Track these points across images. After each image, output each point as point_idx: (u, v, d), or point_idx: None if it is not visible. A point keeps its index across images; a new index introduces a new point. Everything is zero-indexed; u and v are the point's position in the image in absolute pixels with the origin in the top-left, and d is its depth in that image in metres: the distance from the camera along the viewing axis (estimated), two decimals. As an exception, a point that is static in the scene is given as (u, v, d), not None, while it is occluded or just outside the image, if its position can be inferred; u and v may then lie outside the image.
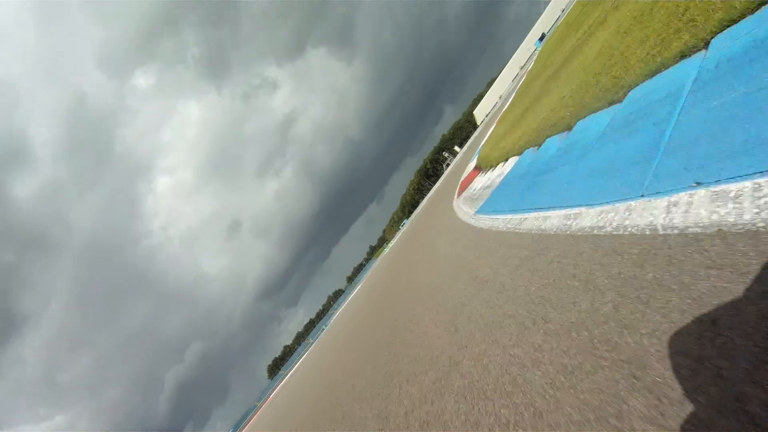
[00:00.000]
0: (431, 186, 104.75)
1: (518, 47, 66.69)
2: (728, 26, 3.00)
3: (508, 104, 24.93)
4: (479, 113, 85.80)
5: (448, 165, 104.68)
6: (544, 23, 59.12)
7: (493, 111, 61.44)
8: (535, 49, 52.46)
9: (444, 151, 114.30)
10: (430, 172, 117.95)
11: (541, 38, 54.88)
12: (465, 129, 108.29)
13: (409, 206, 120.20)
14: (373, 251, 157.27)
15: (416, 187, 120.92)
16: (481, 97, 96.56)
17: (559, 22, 32.73)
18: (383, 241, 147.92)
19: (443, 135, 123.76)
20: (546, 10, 57.91)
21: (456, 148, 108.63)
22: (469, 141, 71.56)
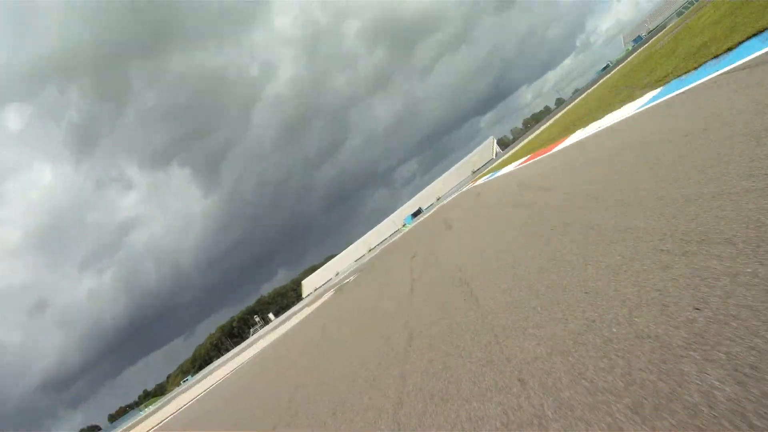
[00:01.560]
0: (232, 346, 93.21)
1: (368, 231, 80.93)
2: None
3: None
4: (308, 285, 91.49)
5: (255, 331, 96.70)
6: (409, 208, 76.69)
7: (324, 287, 62.64)
8: (404, 225, 64.76)
9: (256, 314, 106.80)
10: (235, 332, 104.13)
11: (415, 214, 68.58)
12: (288, 297, 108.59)
13: (201, 360, 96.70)
14: (147, 397, 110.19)
15: (214, 342, 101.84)
16: (314, 269, 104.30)
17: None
18: (162, 389, 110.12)
19: (261, 296, 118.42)
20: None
21: (270, 315, 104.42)
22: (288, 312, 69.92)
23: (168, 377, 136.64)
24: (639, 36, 59.68)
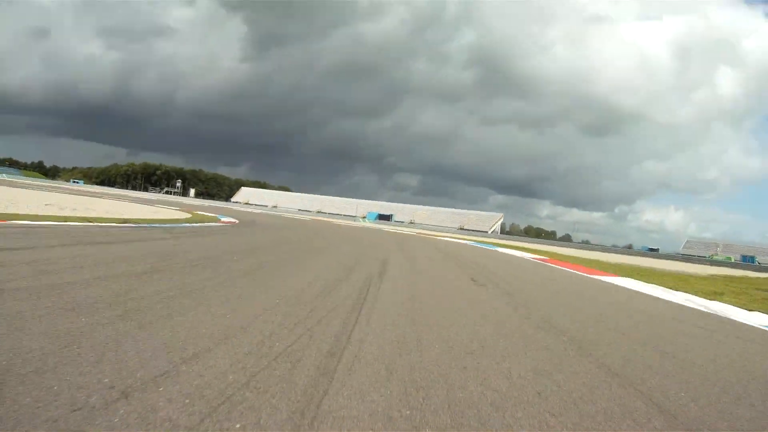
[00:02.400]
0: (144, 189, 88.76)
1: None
2: None
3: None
4: (245, 195, 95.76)
5: (168, 192, 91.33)
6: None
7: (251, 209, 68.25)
8: (363, 218, 64.92)
9: (182, 180, 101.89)
10: (153, 180, 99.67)
11: (384, 217, 64.44)
12: (222, 189, 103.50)
13: (104, 178, 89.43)
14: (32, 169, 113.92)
15: (128, 173, 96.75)
16: (262, 186, 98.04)
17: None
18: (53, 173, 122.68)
19: (200, 170, 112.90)
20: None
21: (191, 192, 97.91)
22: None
23: (64, 169, 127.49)
24: (752, 257, 60.75)
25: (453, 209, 73.81)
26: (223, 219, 17.84)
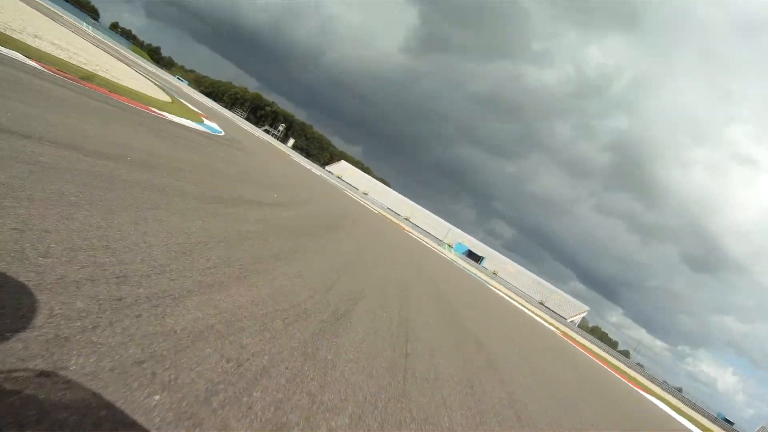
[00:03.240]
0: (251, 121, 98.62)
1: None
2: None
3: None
4: (340, 169, 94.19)
5: (269, 132, 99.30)
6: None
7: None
8: (450, 247, 60.53)
9: (287, 127, 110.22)
10: (258, 114, 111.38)
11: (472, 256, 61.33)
12: (322, 152, 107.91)
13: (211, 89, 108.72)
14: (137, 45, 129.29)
15: (239, 97, 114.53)
16: (365, 170, 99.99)
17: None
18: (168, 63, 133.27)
19: (311, 127, 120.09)
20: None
21: (291, 140, 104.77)
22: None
23: (176, 64, 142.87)
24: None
25: (540, 279, 67.28)
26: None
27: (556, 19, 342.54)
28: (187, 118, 13.00)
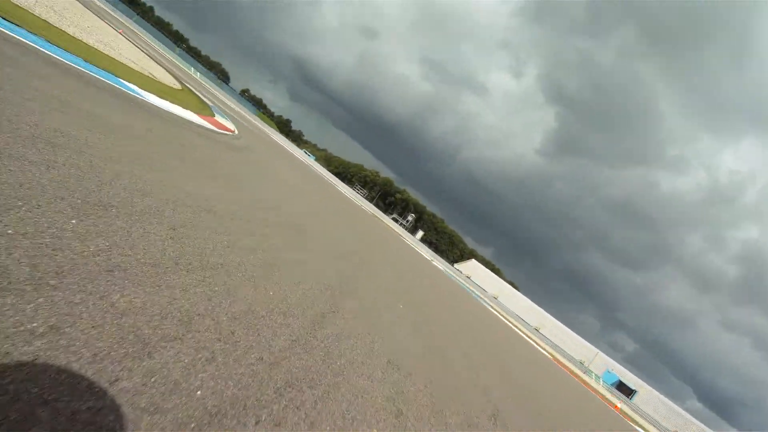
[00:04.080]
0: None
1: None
2: None
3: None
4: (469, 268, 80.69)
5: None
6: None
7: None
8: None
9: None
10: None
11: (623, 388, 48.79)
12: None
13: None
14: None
15: None
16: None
17: None
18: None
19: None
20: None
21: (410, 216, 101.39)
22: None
23: (306, 140, 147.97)
24: None
25: (681, 409, 49.57)
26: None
27: (690, 123, 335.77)
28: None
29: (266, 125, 78.40)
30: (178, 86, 15.99)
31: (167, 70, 21.20)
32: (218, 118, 15.65)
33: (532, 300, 75.41)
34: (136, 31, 48.18)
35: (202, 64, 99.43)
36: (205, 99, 20.67)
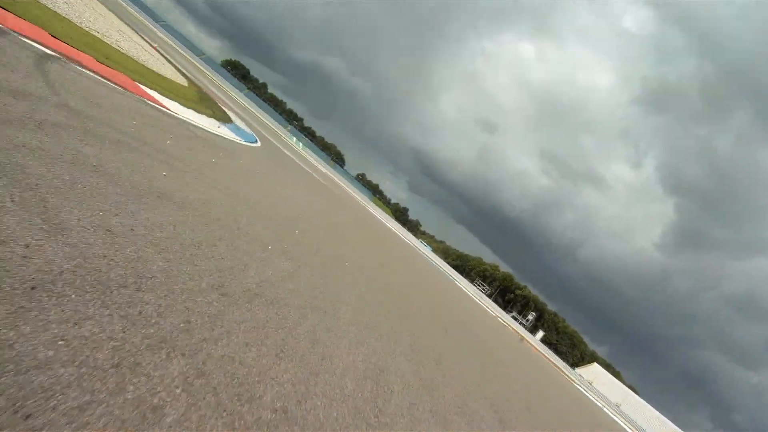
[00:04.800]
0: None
1: None
2: None
3: None
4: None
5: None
6: None
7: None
8: None
9: None
10: None
11: None
12: None
13: None
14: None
15: None
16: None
17: None
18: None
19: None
20: None
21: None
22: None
23: (423, 230, 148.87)
24: None
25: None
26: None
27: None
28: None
29: (381, 211, 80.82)
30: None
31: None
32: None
33: (649, 402, 72.79)
34: (248, 107, 54.49)
35: (316, 145, 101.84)
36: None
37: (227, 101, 28.86)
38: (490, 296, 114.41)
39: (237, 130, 15.66)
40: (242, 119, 22.60)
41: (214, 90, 28.95)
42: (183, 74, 18.07)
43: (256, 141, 16.88)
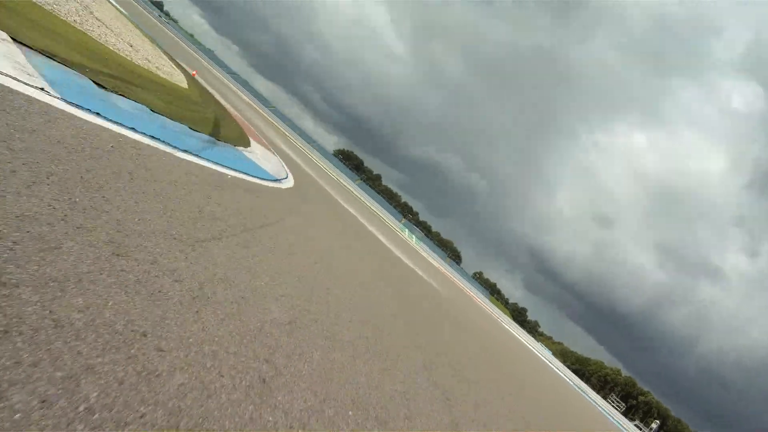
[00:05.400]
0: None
1: None
2: None
3: None
4: None
5: None
6: None
7: None
8: None
9: None
10: None
11: None
12: None
13: None
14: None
15: None
16: None
17: None
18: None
19: None
20: None
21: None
22: None
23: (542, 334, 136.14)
24: None
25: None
26: None
27: None
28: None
29: (500, 311, 79.61)
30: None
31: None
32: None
33: None
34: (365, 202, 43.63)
35: (432, 240, 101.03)
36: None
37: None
38: (625, 414, 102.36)
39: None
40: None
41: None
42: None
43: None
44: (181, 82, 10.72)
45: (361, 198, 44.32)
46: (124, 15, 14.69)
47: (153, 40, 15.66)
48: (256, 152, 10.06)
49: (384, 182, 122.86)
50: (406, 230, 69.17)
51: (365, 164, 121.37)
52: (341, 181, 42.37)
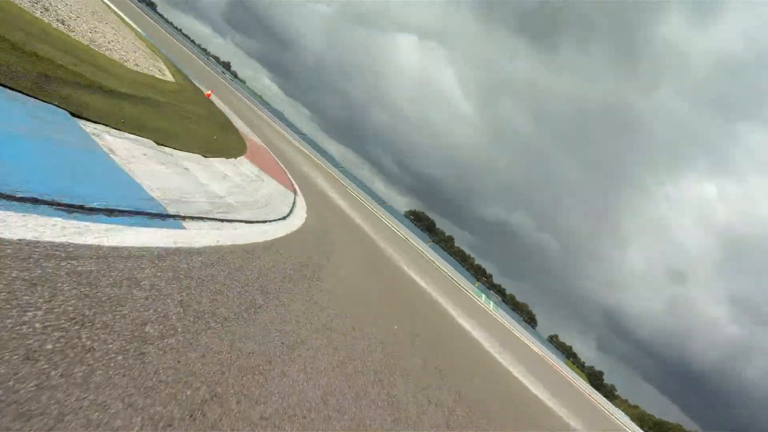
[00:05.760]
0: None
1: None
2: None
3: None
4: None
5: None
6: None
7: None
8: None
9: None
10: None
11: None
12: None
13: None
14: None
15: None
16: None
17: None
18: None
19: None
20: None
21: None
22: None
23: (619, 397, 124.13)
24: None
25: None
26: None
27: None
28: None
29: (576, 376, 75.24)
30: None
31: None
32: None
33: None
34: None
35: (507, 304, 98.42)
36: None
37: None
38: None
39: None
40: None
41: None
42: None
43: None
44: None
45: (434, 261, 41.37)
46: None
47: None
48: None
49: (456, 244, 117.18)
50: (483, 295, 67.47)
51: (437, 225, 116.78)
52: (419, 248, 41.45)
